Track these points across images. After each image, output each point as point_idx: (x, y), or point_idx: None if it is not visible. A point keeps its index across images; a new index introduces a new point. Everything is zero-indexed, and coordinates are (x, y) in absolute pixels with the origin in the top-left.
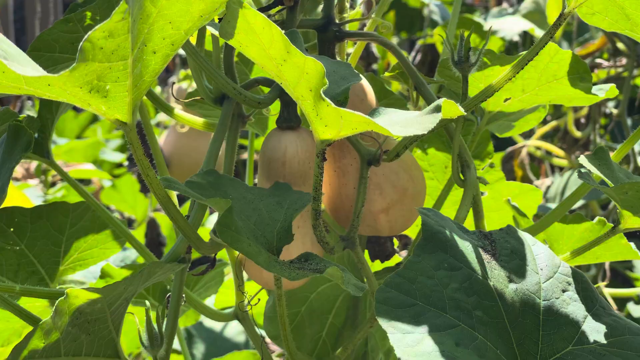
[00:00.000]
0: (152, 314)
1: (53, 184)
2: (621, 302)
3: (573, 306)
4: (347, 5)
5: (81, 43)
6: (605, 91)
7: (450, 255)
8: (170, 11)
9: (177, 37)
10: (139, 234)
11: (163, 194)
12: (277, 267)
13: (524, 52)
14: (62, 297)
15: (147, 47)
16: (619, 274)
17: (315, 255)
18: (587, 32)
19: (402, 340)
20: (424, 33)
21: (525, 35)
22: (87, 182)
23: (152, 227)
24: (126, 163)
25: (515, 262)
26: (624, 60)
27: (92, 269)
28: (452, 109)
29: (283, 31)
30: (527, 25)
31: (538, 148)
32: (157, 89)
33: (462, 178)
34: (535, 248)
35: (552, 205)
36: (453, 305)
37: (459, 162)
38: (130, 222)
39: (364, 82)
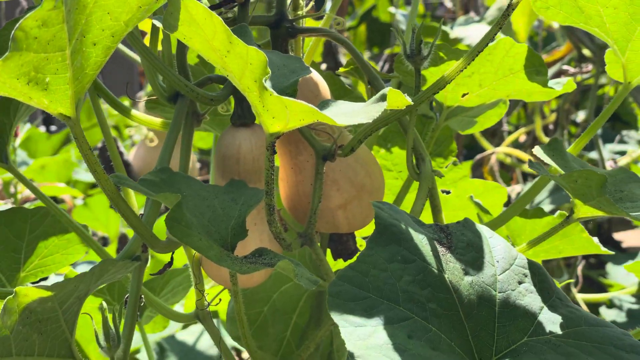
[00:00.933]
0: (109, 315)
1: (24, 202)
2: (594, 307)
3: (529, 298)
4: (303, 2)
5: (13, 31)
6: (562, 84)
7: (403, 247)
8: (107, 2)
9: (117, 29)
10: (111, 251)
11: (112, 189)
12: (228, 262)
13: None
14: (11, 296)
15: (86, 39)
16: (594, 282)
17: (270, 250)
18: (555, 40)
19: (353, 334)
20: (392, 44)
21: None
22: (59, 201)
23: (124, 243)
24: None
25: (471, 254)
26: (590, 67)
27: (58, 276)
28: (397, 98)
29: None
30: None
31: (508, 155)
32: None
33: (417, 172)
34: (492, 240)
35: None
36: (406, 298)
37: (414, 156)
38: (104, 242)
39: (318, 79)
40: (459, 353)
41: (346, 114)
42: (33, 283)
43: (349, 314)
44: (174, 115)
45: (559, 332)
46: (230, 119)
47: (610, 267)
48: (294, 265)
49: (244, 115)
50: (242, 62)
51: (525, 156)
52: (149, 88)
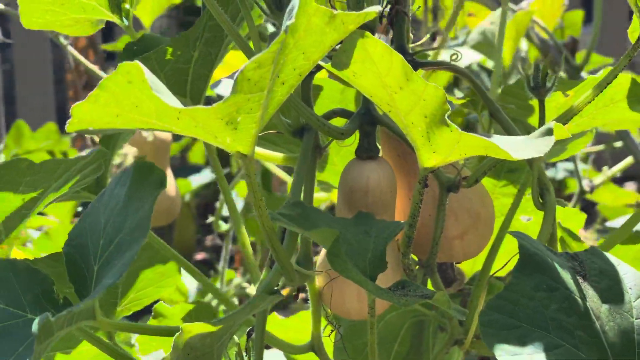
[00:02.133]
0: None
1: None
2: None
3: None
4: (411, 36)
5: (237, 74)
6: None
7: (547, 276)
8: (305, 42)
9: (305, 68)
10: None
11: (270, 225)
12: (385, 294)
13: (594, 76)
14: (178, 333)
15: (279, 78)
16: None
17: (410, 282)
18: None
19: None
20: None
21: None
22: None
23: None
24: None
25: (605, 282)
26: None
27: None
28: (561, 132)
29: None
30: (478, 56)
31: None
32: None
33: (542, 201)
34: (621, 268)
35: None
36: (555, 326)
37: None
38: None
39: None
40: None
41: (516, 149)
42: (126, 317)
43: (504, 343)
44: (302, 148)
45: None
46: (356, 151)
47: None
48: (448, 297)
49: (370, 149)
50: (414, 99)
51: None
52: None
